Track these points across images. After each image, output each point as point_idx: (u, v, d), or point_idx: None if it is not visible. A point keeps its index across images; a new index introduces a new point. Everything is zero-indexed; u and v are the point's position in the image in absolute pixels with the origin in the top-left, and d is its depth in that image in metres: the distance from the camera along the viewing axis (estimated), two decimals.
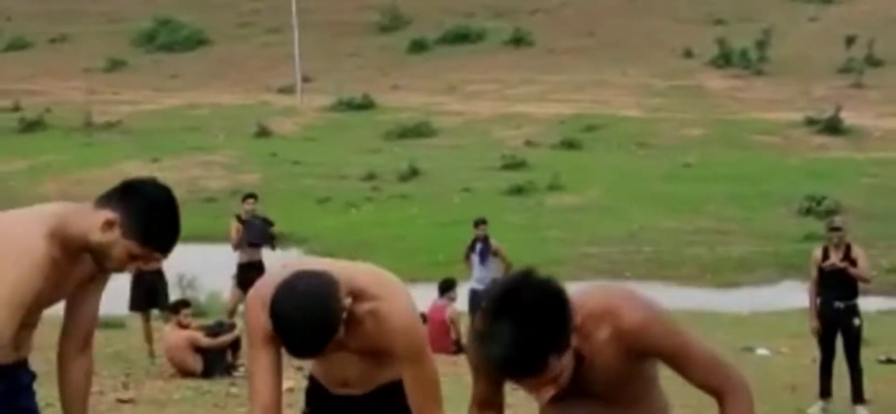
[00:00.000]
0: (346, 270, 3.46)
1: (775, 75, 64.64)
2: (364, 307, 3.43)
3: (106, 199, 3.34)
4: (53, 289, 3.38)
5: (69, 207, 3.46)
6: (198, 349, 10.44)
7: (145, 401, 8.04)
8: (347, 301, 3.32)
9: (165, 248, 3.38)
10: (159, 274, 12.35)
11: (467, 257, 14.58)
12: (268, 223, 13.28)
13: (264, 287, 3.43)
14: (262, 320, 3.31)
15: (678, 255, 29.70)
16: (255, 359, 3.42)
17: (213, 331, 10.92)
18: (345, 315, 3.30)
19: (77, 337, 3.52)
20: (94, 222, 3.28)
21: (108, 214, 3.27)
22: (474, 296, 14.14)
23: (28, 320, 3.34)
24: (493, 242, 14.47)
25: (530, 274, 3.13)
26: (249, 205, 13.09)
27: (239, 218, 13.03)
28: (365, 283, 3.47)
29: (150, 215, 3.28)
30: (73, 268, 3.38)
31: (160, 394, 8.65)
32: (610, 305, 3.31)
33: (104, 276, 3.51)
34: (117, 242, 3.28)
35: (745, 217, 33.55)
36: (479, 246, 14.25)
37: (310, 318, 3.20)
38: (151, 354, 11.51)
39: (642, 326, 3.30)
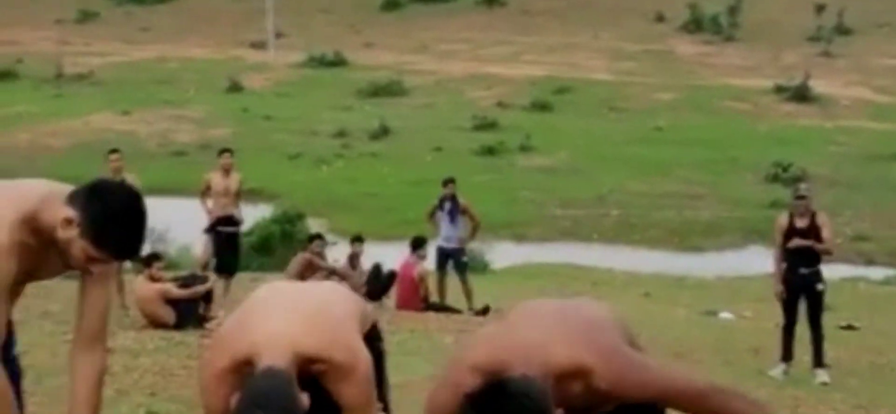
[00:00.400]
0: (294, 339, 3.45)
1: (746, 41, 65.02)
2: (317, 368, 3.48)
3: (74, 196, 3.31)
4: (32, 271, 3.37)
5: (46, 191, 3.42)
6: (169, 301, 10.54)
7: (120, 350, 8.13)
8: (305, 399, 3.35)
9: (120, 255, 3.33)
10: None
11: (432, 215, 14.50)
12: None
13: (218, 362, 3.52)
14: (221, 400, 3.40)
15: (646, 218, 29.96)
16: None
17: (186, 283, 11.01)
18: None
19: (82, 332, 3.44)
20: (58, 217, 3.26)
21: (68, 212, 3.24)
22: (442, 254, 14.28)
23: (11, 298, 3.36)
24: (462, 200, 14.60)
25: (512, 385, 3.09)
26: (226, 159, 13.08)
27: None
28: (314, 348, 3.49)
29: (108, 221, 3.22)
30: (49, 251, 3.34)
31: (134, 344, 8.74)
32: (580, 363, 3.27)
33: (107, 269, 3.44)
34: (75, 241, 3.24)
35: (713, 182, 33.85)
36: (447, 204, 14.20)
37: None
38: (123, 306, 11.60)
39: (616, 383, 3.27)
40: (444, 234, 14.27)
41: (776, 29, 65.45)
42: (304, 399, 3.35)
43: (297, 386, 3.35)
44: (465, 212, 14.42)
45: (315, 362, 3.44)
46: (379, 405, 3.92)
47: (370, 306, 4.54)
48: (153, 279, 10.82)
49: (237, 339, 3.50)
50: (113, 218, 3.23)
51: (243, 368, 3.42)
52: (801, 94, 49.41)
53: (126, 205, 3.28)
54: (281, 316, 3.51)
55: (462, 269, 14.29)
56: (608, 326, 3.48)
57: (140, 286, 10.80)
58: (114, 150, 12.97)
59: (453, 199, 14.24)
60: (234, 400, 3.34)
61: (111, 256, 3.29)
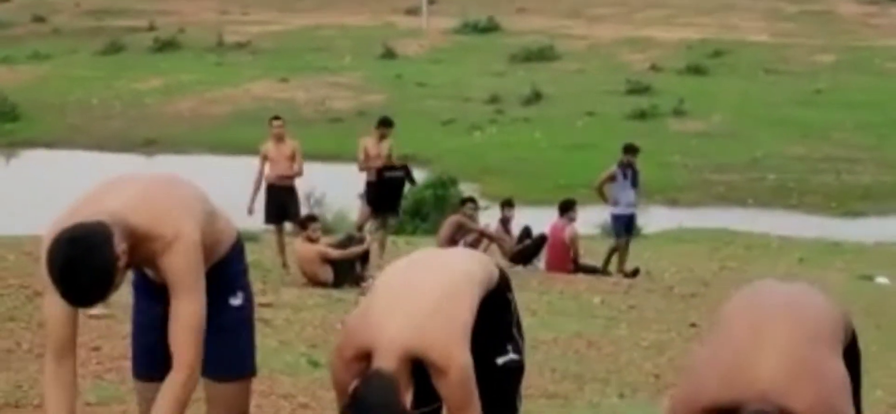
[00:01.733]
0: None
1: None
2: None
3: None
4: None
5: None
6: (327, 261, 10.97)
7: (282, 305, 8.55)
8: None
9: (64, 298, 3.41)
10: (291, 190, 13.07)
11: (612, 179, 14.35)
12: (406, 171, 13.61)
13: (344, 351, 3.85)
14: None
15: (803, 182, 29.41)
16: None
17: (343, 243, 11.42)
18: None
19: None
20: None
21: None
22: (627, 220, 14.37)
23: None
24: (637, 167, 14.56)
25: None
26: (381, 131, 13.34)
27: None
28: (420, 350, 3.74)
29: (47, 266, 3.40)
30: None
31: (296, 300, 9.16)
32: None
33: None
34: None
35: (874, 145, 32.98)
36: (629, 172, 14.21)
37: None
38: (284, 265, 12.10)
39: None
40: (627, 200, 14.31)
41: None
42: (408, 397, 3.72)
43: (405, 382, 3.73)
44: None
45: (420, 360, 3.78)
46: (510, 345, 4.24)
47: (507, 266, 4.75)
48: (311, 240, 11.27)
49: (361, 331, 3.86)
50: (47, 265, 3.40)
51: (364, 358, 3.81)
52: None
53: (56, 256, 3.36)
54: (399, 315, 3.83)
55: (634, 232, 14.59)
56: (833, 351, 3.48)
57: (299, 247, 11.27)
58: (276, 117, 13.48)
59: (633, 166, 14.31)
60: (346, 394, 3.75)
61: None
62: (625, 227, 14.29)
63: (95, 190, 3.70)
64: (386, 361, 3.73)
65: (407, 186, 14.44)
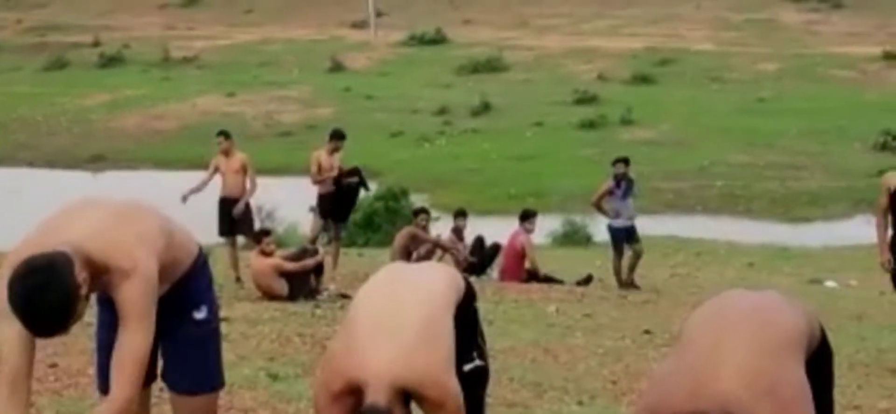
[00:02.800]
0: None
1: (852, 8, 63.73)
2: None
3: None
4: None
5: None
6: (283, 274, 10.94)
7: (238, 319, 8.51)
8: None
9: (26, 329, 3.41)
10: (245, 204, 13.06)
11: (610, 193, 14.08)
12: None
13: (331, 385, 3.83)
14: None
15: (750, 189, 29.72)
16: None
17: (296, 256, 11.41)
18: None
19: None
20: None
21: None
22: (624, 233, 13.99)
23: None
24: (632, 178, 14.30)
25: None
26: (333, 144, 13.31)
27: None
28: (411, 383, 3.76)
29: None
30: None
31: (251, 313, 9.13)
32: None
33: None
34: None
35: (819, 152, 33.40)
36: (624, 183, 13.99)
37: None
38: (238, 279, 12.06)
39: None
40: (627, 212, 14.13)
41: None
42: None
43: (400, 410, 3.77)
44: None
45: (412, 394, 3.80)
46: (475, 352, 4.29)
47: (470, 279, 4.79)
48: (265, 254, 11.23)
49: (347, 365, 3.82)
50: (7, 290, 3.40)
51: (353, 392, 3.79)
52: None
53: (14, 289, 3.36)
54: (385, 347, 3.80)
55: (637, 241, 14.15)
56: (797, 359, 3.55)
57: (254, 261, 11.22)
58: (220, 133, 13.42)
59: (627, 177, 14.15)
60: None
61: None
62: (625, 238, 14.07)
63: (54, 218, 3.67)
64: (378, 395, 3.72)
65: (362, 193, 14.44)
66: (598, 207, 14.47)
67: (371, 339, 3.84)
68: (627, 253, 13.99)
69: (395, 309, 3.96)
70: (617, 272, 13.98)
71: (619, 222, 14.06)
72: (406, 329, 3.86)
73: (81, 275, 3.38)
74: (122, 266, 3.51)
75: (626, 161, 14.36)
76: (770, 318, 3.67)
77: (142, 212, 3.80)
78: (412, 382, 3.76)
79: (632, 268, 13.95)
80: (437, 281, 4.23)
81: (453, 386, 3.84)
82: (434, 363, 3.82)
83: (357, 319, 4.00)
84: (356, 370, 3.78)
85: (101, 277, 3.52)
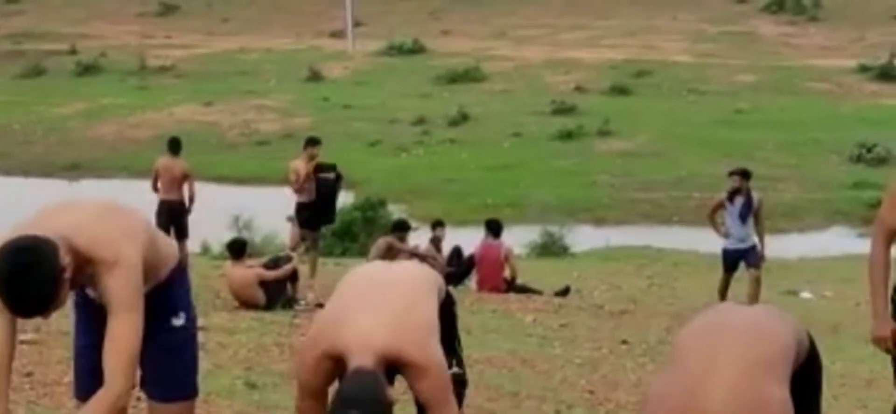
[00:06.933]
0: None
1: (829, 21, 64.11)
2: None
3: None
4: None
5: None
6: (261, 283, 10.94)
7: (214, 328, 8.48)
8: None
9: (8, 308, 3.45)
10: (181, 204, 13.87)
11: (720, 206, 12.31)
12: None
13: (316, 347, 3.90)
14: None
15: None
16: None
17: (270, 265, 11.38)
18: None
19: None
20: None
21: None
22: (734, 256, 12.32)
23: None
24: (755, 195, 12.21)
25: None
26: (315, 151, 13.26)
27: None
28: (396, 351, 3.79)
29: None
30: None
31: (228, 323, 9.10)
32: None
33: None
34: None
35: (795, 164, 33.55)
36: (739, 200, 11.97)
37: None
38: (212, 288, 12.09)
39: None
40: (737, 235, 12.22)
41: (860, 8, 64.44)
42: (391, 393, 3.77)
43: (385, 380, 3.78)
44: (757, 211, 12.22)
45: (396, 362, 3.82)
46: (454, 359, 4.37)
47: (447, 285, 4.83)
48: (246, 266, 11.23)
49: (333, 331, 3.89)
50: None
51: (336, 359, 3.84)
52: (887, 73, 48.57)
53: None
54: (371, 315, 3.88)
55: (754, 266, 12.29)
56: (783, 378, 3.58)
57: (233, 271, 11.19)
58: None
59: (746, 192, 12.10)
60: (315, 395, 3.89)
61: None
62: (732, 262, 12.41)
63: (37, 214, 3.71)
64: (364, 358, 3.75)
65: (340, 200, 14.46)
66: (711, 221, 12.82)
67: (357, 308, 3.91)
68: (745, 275, 12.25)
69: (381, 286, 4.05)
70: (720, 291, 12.50)
71: (728, 244, 12.37)
72: (391, 300, 3.94)
73: (65, 259, 3.43)
74: (106, 258, 3.55)
75: (743, 174, 12.26)
76: (758, 336, 3.70)
77: (124, 209, 3.86)
78: (396, 347, 3.79)
79: (749, 297, 11.93)
80: (421, 271, 4.37)
81: (437, 352, 3.88)
82: (417, 329, 3.88)
83: (344, 293, 4.09)
84: (340, 338, 3.83)
85: (85, 269, 3.56)
